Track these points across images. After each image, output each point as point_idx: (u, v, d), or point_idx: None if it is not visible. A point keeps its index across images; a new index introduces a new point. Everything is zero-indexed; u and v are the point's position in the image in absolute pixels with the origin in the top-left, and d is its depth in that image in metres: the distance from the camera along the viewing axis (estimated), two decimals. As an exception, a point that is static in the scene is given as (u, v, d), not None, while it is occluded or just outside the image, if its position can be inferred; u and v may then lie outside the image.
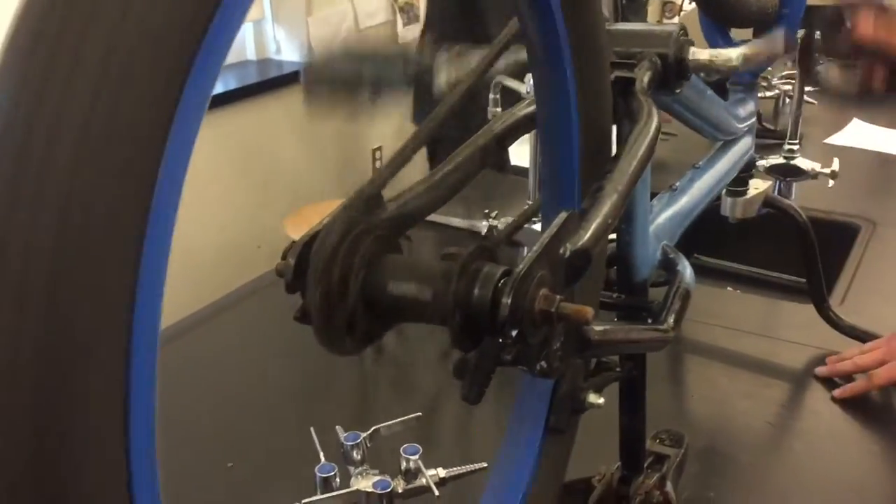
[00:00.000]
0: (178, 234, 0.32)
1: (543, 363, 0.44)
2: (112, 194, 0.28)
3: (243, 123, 2.57)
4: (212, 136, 2.41)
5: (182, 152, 0.31)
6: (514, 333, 0.41)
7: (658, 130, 0.57)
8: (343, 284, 0.43)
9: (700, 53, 0.66)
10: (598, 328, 0.51)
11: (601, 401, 0.59)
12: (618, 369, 0.66)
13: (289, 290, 0.45)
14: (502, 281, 0.41)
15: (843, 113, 2.07)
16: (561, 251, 0.45)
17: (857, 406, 1.03)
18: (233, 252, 2.50)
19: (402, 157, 0.48)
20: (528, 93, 1.16)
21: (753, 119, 1.08)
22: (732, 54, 0.66)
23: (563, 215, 0.45)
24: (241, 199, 2.59)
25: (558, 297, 0.42)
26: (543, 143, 0.59)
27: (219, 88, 2.49)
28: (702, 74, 0.76)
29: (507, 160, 1.85)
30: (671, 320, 0.68)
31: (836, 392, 1.00)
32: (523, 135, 0.64)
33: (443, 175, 0.55)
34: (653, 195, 0.80)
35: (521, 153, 1.76)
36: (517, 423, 0.60)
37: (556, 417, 0.58)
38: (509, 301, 0.40)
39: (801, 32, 1.70)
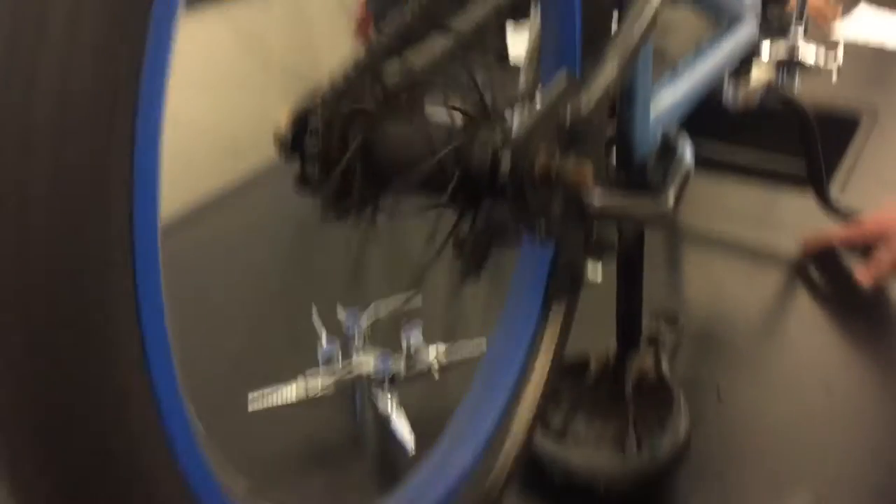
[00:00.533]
0: (178, 123, 0.32)
1: (542, 226, 0.45)
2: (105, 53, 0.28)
3: (235, 17, 2.51)
4: (202, 31, 2.36)
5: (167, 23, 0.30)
6: (513, 194, 0.41)
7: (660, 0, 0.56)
8: (342, 147, 0.43)
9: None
10: (598, 195, 0.51)
11: (599, 277, 0.60)
12: (616, 245, 0.66)
13: (286, 154, 0.45)
14: (502, 142, 0.41)
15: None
16: (561, 114, 0.44)
17: (851, 291, 1.04)
18: (229, 148, 2.48)
19: (397, 28, 0.48)
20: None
21: (758, 1, 1.06)
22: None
23: (563, 77, 0.45)
24: (236, 94, 2.55)
25: (558, 157, 0.42)
26: (544, 11, 0.58)
27: (211, -20, 2.43)
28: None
29: (506, 51, 1.82)
30: (671, 197, 0.68)
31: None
32: (521, 7, 0.63)
33: (440, 48, 0.54)
34: (655, 79, 0.79)
35: (521, 44, 1.73)
36: (516, 295, 0.61)
37: (554, 289, 0.59)
38: (509, 160, 0.40)
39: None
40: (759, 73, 1.16)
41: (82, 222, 0.28)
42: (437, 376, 0.82)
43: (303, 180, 0.44)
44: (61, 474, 0.30)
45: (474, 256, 0.56)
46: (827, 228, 1.08)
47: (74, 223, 0.28)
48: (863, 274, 0.98)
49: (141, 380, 0.31)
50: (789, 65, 1.69)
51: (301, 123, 0.43)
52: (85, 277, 0.29)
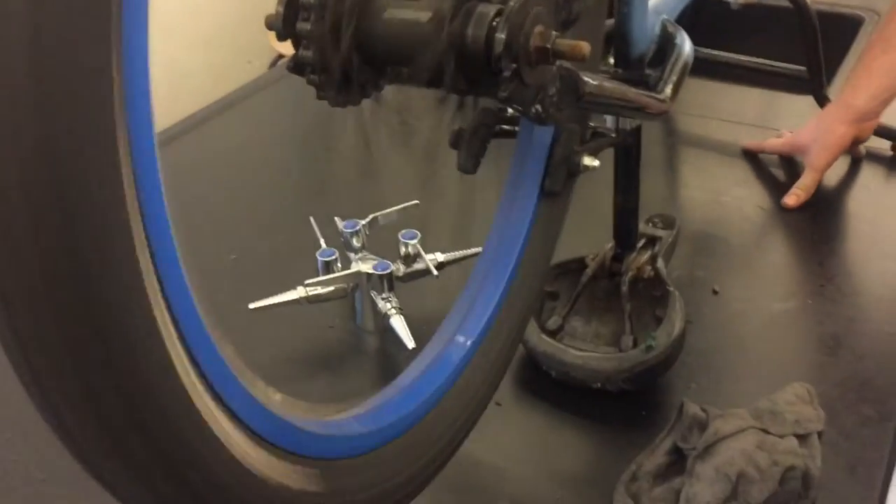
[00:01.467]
0: (166, 50, 0.31)
1: (539, 107, 0.44)
2: None
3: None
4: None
5: None
6: (509, 72, 0.41)
7: None
8: (335, 26, 0.42)
9: None
10: (595, 80, 0.50)
11: (596, 163, 0.60)
12: (614, 136, 0.66)
13: (280, 38, 0.44)
14: (496, 18, 0.41)
15: None
16: (557, -10, 0.44)
17: (852, 190, 1.05)
18: (222, 68, 2.44)
19: None
20: None
21: None
22: None
23: (559, -47, 0.44)
24: (227, 14, 2.51)
25: (554, 33, 0.41)
26: None
27: None
28: None
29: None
30: (668, 90, 0.67)
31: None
32: None
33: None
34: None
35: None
36: (512, 187, 0.61)
37: (551, 179, 0.59)
38: (504, 37, 0.40)
39: None
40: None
41: (81, 137, 0.28)
42: (435, 272, 0.83)
43: (297, 65, 0.44)
44: (89, 373, 0.30)
45: (471, 150, 0.56)
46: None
47: (72, 137, 0.28)
48: (789, 198, 1.00)
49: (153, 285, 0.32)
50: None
51: (293, 5, 0.42)
52: (91, 189, 0.29)
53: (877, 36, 1.00)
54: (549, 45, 0.41)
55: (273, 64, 1.51)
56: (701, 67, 0.92)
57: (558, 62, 0.43)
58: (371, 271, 0.82)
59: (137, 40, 0.29)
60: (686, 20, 0.86)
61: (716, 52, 1.18)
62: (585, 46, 0.40)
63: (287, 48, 0.45)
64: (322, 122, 1.16)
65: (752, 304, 0.87)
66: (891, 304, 0.87)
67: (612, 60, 0.73)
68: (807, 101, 1.14)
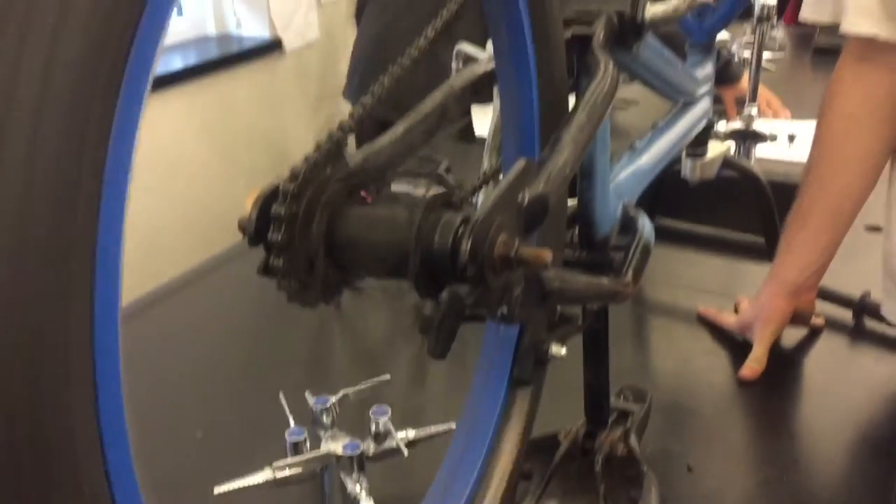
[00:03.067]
0: (146, 210, 0.32)
1: (505, 309, 0.45)
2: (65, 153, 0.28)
3: (205, 99, 2.55)
4: (174, 112, 2.38)
5: (128, 130, 0.31)
6: (474, 279, 0.42)
7: (615, 83, 0.58)
8: (305, 235, 0.43)
9: (653, 9, 0.67)
10: (559, 276, 0.52)
11: (564, 352, 0.60)
12: (580, 322, 0.67)
13: (251, 244, 0.45)
14: (461, 227, 0.42)
15: (801, 78, 2.10)
16: (519, 198, 0.45)
17: (817, 361, 1.06)
18: (200, 227, 2.48)
19: (360, 114, 0.49)
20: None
21: (711, 81, 1.10)
22: (675, 1, 0.68)
23: (520, 162, 0.46)
24: (205, 175, 2.57)
25: (517, 241, 0.42)
26: (503, 98, 0.60)
27: (179, 65, 2.47)
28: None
29: (472, 129, 1.86)
30: (631, 274, 0.69)
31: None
32: (482, 92, 0.65)
33: (403, 131, 0.56)
34: (614, 157, 0.82)
35: (487, 125, 1.77)
36: (482, 376, 0.61)
37: (520, 369, 0.59)
38: (468, 246, 0.41)
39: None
40: (716, 147, 1.20)
41: (41, 310, 0.28)
42: (405, 452, 0.82)
43: (266, 269, 0.45)
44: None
45: (440, 336, 0.56)
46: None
47: (33, 311, 0.28)
48: (744, 371, 1.02)
49: (97, 475, 0.31)
50: (745, 137, 1.74)
51: (265, 211, 0.44)
52: (41, 365, 0.29)
53: (793, 213, 1.04)
54: (512, 254, 0.42)
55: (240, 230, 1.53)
56: (666, 237, 0.95)
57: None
58: (341, 452, 0.81)
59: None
60: (648, 194, 0.89)
61: (678, 223, 1.22)
62: (547, 254, 0.42)
63: None
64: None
65: (727, 480, 0.86)
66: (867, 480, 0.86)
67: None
68: (768, 269, 1.17)
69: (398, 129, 0.56)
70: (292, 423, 0.86)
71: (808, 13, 1.03)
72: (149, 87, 0.32)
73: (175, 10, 0.33)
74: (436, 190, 1.39)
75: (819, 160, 1.01)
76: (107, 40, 0.29)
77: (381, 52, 2.27)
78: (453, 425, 0.86)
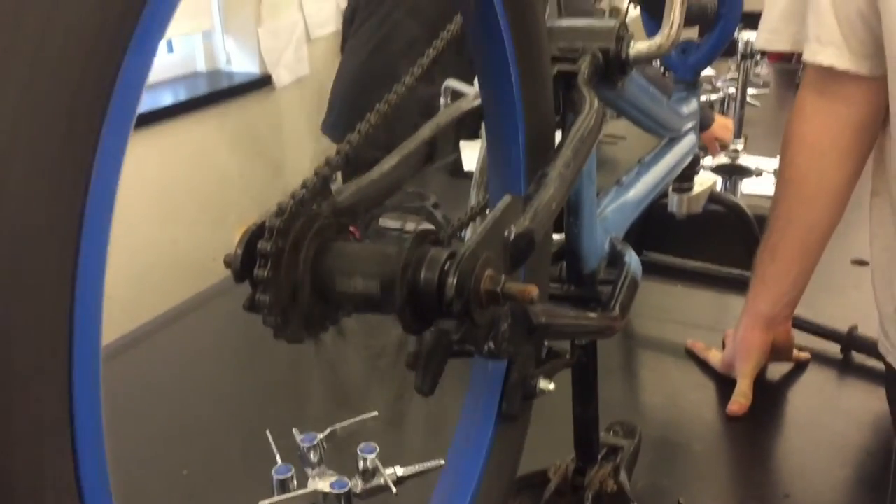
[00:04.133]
0: (130, 247, 0.32)
1: (492, 344, 0.45)
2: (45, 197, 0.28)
3: (194, 135, 2.55)
4: (162, 148, 2.39)
5: (112, 160, 0.31)
6: (461, 314, 0.42)
7: (600, 119, 0.58)
8: (291, 271, 0.43)
9: (638, 46, 0.68)
10: (546, 311, 0.52)
11: (552, 386, 0.60)
12: (568, 357, 0.67)
13: (237, 280, 0.45)
14: (447, 263, 0.42)
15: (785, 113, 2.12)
16: (505, 233, 0.46)
17: (805, 395, 1.06)
18: (186, 266, 2.47)
19: (346, 150, 0.49)
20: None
21: (697, 117, 1.11)
22: (658, 39, 0.69)
23: (507, 199, 0.46)
24: (193, 212, 2.57)
25: (503, 276, 0.43)
26: (490, 134, 0.60)
27: (169, 100, 2.48)
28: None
29: (461, 164, 1.87)
30: (618, 308, 0.69)
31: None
32: (469, 128, 0.65)
33: (390, 167, 0.56)
34: (600, 191, 0.82)
35: (475, 160, 1.78)
36: (470, 411, 0.61)
37: (507, 404, 0.59)
38: (454, 281, 0.41)
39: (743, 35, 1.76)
40: (702, 182, 1.21)
41: (16, 346, 0.28)
42: (394, 490, 0.81)
43: (252, 304, 0.44)
44: None
45: (427, 372, 0.56)
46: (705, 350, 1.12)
47: (6, 349, 0.28)
48: (731, 406, 1.01)
49: None
50: (731, 172, 1.76)
51: (251, 247, 0.44)
52: (15, 405, 0.28)
53: (763, 246, 1.05)
54: (498, 289, 0.42)
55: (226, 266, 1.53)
56: (653, 271, 0.95)
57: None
58: (328, 490, 0.80)
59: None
60: (635, 229, 0.90)
61: (666, 257, 1.23)
62: (533, 290, 0.42)
63: None
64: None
65: (717, 516, 0.85)
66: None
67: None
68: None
69: (385, 164, 0.56)
70: (279, 460, 0.85)
71: (763, 42, 1.03)
72: (132, 125, 0.32)
73: (165, 47, 0.33)
74: (424, 225, 1.40)
75: (784, 194, 1.02)
76: (89, 78, 0.29)
77: (357, 89, 2.31)
78: (442, 462, 0.85)
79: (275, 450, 0.86)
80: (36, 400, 0.29)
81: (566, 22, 0.70)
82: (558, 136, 0.66)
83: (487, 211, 0.72)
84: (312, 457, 0.84)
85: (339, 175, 0.59)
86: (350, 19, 2.44)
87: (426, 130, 0.60)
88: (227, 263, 0.46)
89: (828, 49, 0.92)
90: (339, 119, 2.42)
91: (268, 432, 0.88)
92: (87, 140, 0.29)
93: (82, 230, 0.29)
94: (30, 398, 0.28)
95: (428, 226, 1.14)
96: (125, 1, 0.29)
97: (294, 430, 0.87)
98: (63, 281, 0.29)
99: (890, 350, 0.97)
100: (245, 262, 0.44)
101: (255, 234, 0.44)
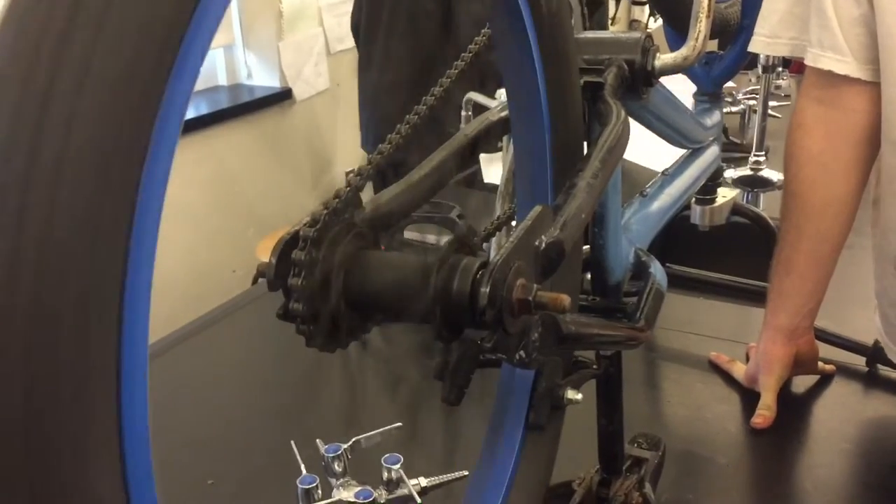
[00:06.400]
0: (159, 253, 0.32)
1: (522, 353, 0.46)
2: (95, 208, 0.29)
3: (215, 148, 2.57)
4: (184, 161, 2.40)
5: (159, 177, 0.31)
6: (493, 323, 0.42)
7: (627, 130, 0.59)
8: (325, 281, 0.43)
9: (663, 58, 0.68)
10: (575, 321, 0.52)
11: (579, 397, 0.60)
12: (595, 367, 0.67)
13: (271, 288, 0.46)
14: (480, 272, 0.42)
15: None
16: (536, 243, 0.46)
17: (830, 408, 1.05)
18: (206, 277, 2.49)
19: (378, 161, 0.50)
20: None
21: (720, 128, 1.11)
22: (684, 51, 0.69)
23: (537, 209, 0.46)
24: (214, 223, 2.59)
25: (535, 286, 0.43)
26: (517, 145, 0.61)
27: (191, 113, 2.50)
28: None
29: (480, 176, 1.87)
30: (644, 319, 0.69)
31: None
32: (495, 140, 0.66)
33: (419, 178, 0.56)
34: (624, 203, 0.82)
35: (494, 172, 1.79)
36: (497, 422, 0.61)
37: (535, 414, 0.59)
38: (487, 290, 0.41)
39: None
40: (725, 193, 1.20)
41: (67, 356, 0.28)
42: (418, 500, 0.81)
43: (286, 314, 0.45)
44: None
45: (454, 382, 0.56)
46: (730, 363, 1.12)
47: (58, 359, 0.28)
48: (756, 419, 1.01)
49: None
50: (753, 184, 1.76)
51: (285, 258, 0.44)
52: (67, 414, 0.29)
53: (776, 260, 1.04)
54: (530, 298, 0.42)
55: (256, 280, 1.54)
56: (677, 283, 0.95)
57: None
58: (353, 500, 0.80)
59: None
60: (659, 242, 0.90)
61: (689, 270, 1.22)
62: (566, 299, 0.42)
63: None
64: (304, 342, 1.17)
65: (743, 529, 0.85)
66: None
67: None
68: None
69: (413, 176, 0.57)
70: (304, 470, 0.85)
71: (761, 46, 1.02)
72: (178, 137, 0.33)
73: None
74: (447, 235, 1.40)
75: (792, 207, 1.01)
76: (135, 95, 0.29)
77: (374, 105, 2.33)
78: (466, 473, 0.85)
79: (299, 460, 0.86)
80: (85, 417, 0.29)
81: (592, 34, 0.70)
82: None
83: (513, 222, 0.72)
84: (337, 467, 0.84)
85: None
86: (356, 32, 2.46)
87: (454, 142, 0.61)
88: (261, 273, 0.47)
89: (830, 54, 0.92)
90: (366, 133, 2.44)
91: (292, 443, 0.89)
92: (134, 153, 0.30)
93: (131, 240, 0.30)
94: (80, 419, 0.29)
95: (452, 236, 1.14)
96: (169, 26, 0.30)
97: (318, 441, 0.87)
98: (114, 284, 0.30)
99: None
100: (279, 272, 0.44)
101: (288, 244, 0.45)
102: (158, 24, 0.30)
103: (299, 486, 0.83)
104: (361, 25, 2.37)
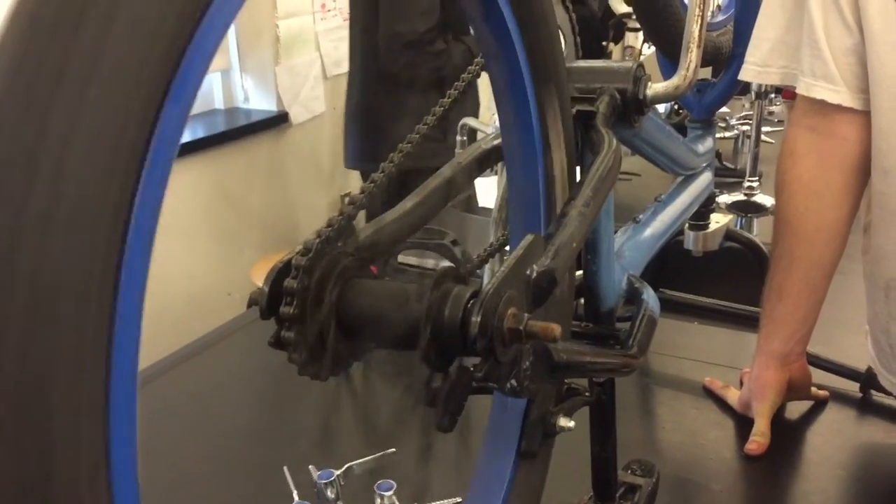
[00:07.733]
0: (150, 281, 0.32)
1: (514, 382, 0.46)
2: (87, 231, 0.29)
3: (212, 171, 2.58)
4: (181, 183, 2.41)
5: (154, 200, 0.31)
6: (484, 352, 0.42)
7: (619, 159, 0.59)
8: (317, 309, 0.44)
9: (655, 87, 0.69)
10: (567, 349, 0.52)
11: (572, 424, 0.60)
12: (587, 394, 0.67)
13: (263, 317, 0.46)
14: (471, 301, 0.43)
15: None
16: (528, 272, 0.46)
17: (824, 434, 1.05)
18: (202, 300, 2.49)
19: (370, 189, 0.50)
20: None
21: (712, 155, 1.12)
22: (675, 80, 0.69)
23: (528, 237, 0.47)
24: (210, 247, 2.59)
25: (526, 315, 0.43)
26: (510, 173, 0.61)
27: (187, 137, 2.51)
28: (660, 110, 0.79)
29: (475, 201, 1.88)
30: (637, 346, 0.69)
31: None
32: (488, 167, 0.66)
33: (412, 206, 0.57)
34: (617, 229, 0.83)
35: (489, 196, 1.79)
36: (489, 449, 0.61)
37: (527, 441, 0.59)
38: (479, 319, 0.42)
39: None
40: (718, 219, 1.21)
41: (56, 376, 0.28)
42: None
43: (278, 341, 0.45)
44: None
45: (447, 409, 0.56)
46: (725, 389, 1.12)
47: (47, 377, 0.28)
48: (749, 446, 1.00)
49: None
50: (747, 209, 1.76)
51: (277, 284, 0.44)
52: (55, 437, 0.29)
53: (768, 286, 1.04)
54: (521, 328, 0.43)
55: (250, 305, 1.54)
56: (671, 308, 0.96)
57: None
58: (345, 527, 0.80)
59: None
60: (652, 267, 0.90)
61: (683, 295, 1.23)
62: (556, 329, 0.42)
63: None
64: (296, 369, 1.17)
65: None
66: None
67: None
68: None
69: (407, 203, 0.57)
70: (296, 496, 0.85)
71: (752, 75, 1.03)
72: (173, 161, 0.33)
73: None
74: (442, 262, 1.40)
75: (783, 234, 1.01)
76: (131, 117, 0.30)
77: (357, 125, 2.34)
78: (459, 500, 0.85)
79: (292, 486, 0.86)
80: (75, 439, 0.29)
81: (584, 63, 0.71)
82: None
83: (507, 248, 0.73)
84: (329, 493, 0.84)
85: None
86: None
87: (447, 170, 0.61)
88: (254, 301, 0.47)
89: (823, 83, 0.93)
90: (352, 152, 2.43)
91: (285, 468, 0.88)
92: (130, 175, 0.30)
93: (123, 258, 0.30)
94: (70, 437, 0.29)
95: (449, 264, 1.15)
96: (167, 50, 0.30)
97: (311, 467, 0.87)
98: (105, 304, 0.30)
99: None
100: (271, 300, 0.44)
101: (281, 272, 0.45)
102: (156, 48, 0.30)
103: (292, 512, 0.82)
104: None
